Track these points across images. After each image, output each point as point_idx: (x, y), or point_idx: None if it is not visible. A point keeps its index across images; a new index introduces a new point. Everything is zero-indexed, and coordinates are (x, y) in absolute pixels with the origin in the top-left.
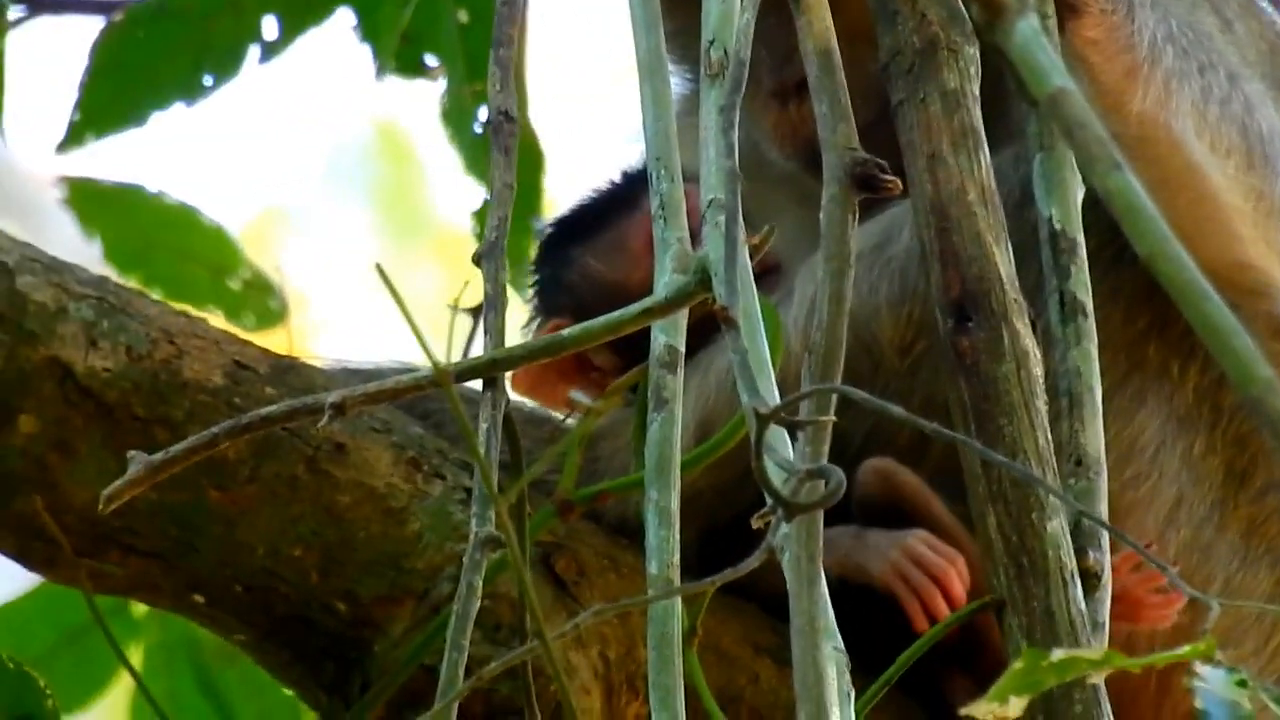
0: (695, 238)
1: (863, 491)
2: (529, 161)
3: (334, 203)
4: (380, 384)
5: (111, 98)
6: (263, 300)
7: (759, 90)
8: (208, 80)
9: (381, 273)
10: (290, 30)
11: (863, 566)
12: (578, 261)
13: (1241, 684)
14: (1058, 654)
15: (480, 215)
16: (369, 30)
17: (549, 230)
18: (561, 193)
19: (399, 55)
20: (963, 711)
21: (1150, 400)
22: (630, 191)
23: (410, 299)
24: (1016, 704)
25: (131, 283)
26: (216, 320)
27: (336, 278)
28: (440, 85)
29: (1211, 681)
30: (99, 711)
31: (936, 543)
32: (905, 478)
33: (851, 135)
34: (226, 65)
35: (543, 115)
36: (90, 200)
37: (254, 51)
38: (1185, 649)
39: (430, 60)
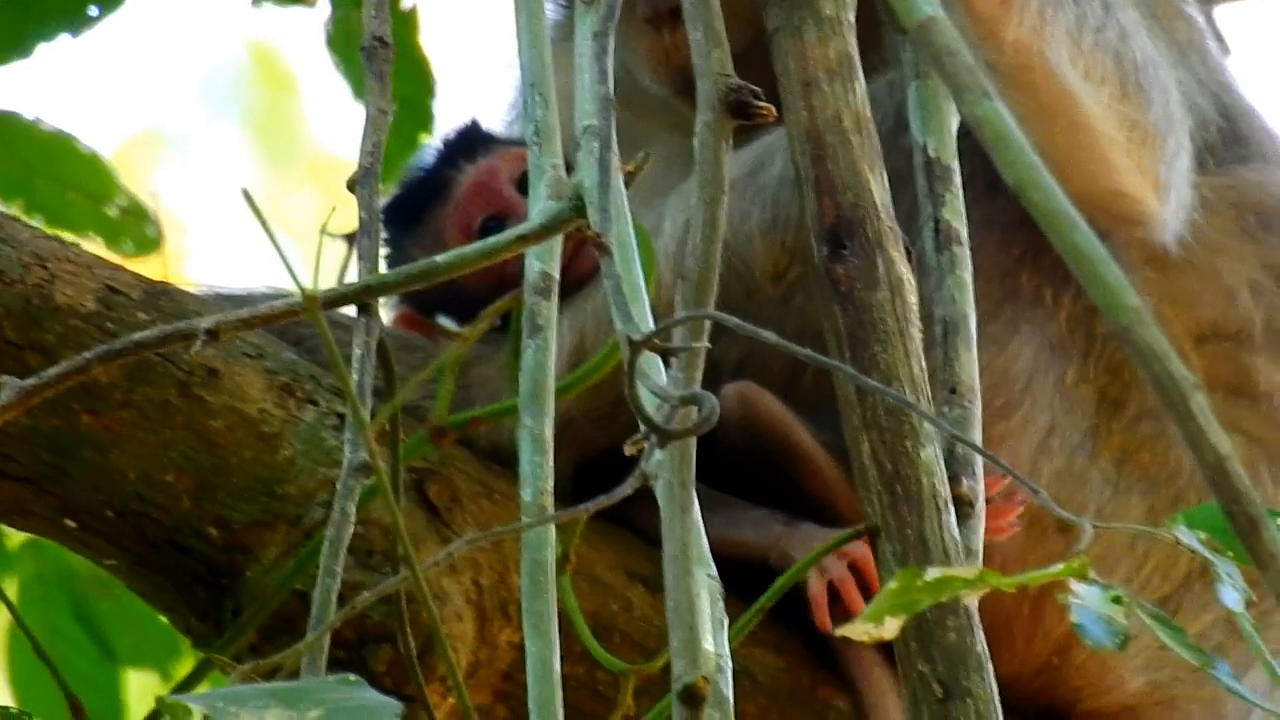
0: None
1: (724, 417)
2: (419, 83)
3: (209, 126)
4: (253, 309)
5: None
6: (140, 227)
7: (633, 16)
8: (93, 10)
9: (249, 198)
10: None
11: (791, 558)
12: (406, 251)
13: (1116, 600)
14: (932, 573)
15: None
16: None
17: (384, 214)
18: (449, 115)
19: None
20: (838, 632)
21: (1024, 328)
22: (441, 176)
23: (286, 224)
24: (892, 624)
25: (14, 210)
26: (95, 247)
27: (212, 202)
28: (319, 11)
29: (1086, 598)
30: None
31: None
32: (767, 404)
33: (726, 62)
34: None
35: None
36: None
37: None
38: (1059, 567)
39: None
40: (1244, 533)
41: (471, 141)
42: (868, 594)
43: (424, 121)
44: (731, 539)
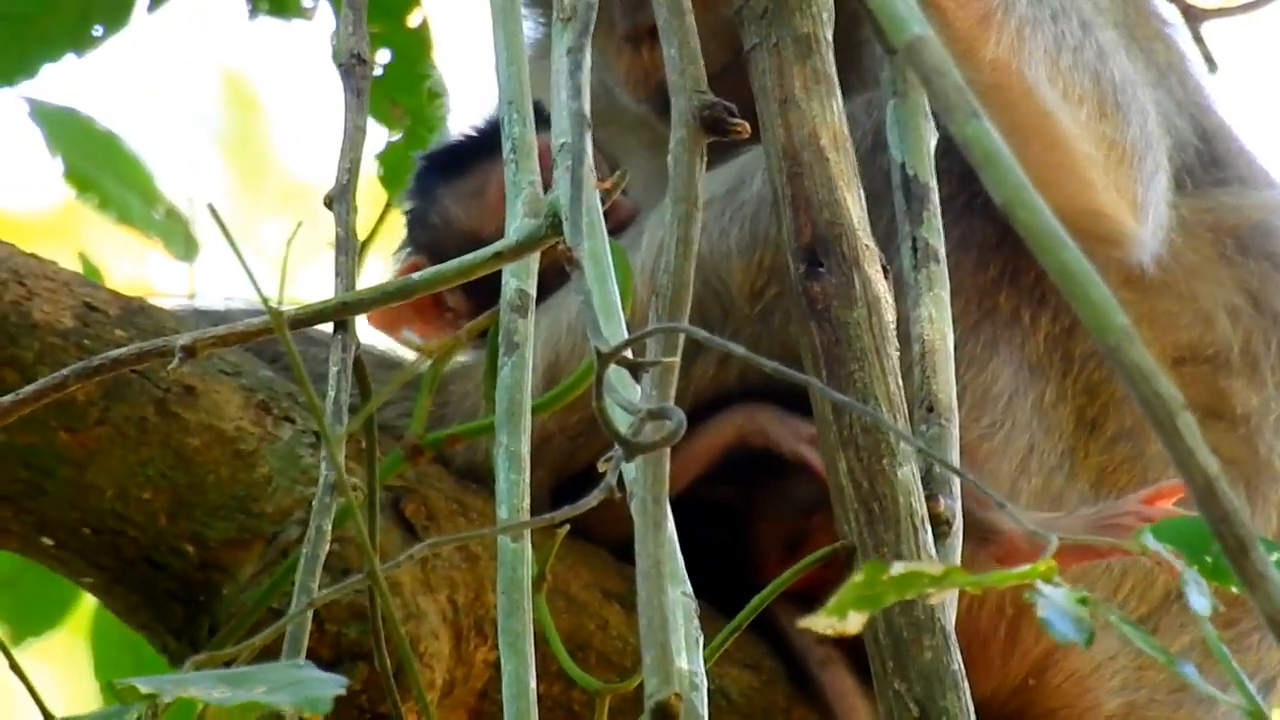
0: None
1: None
2: (430, 99)
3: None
4: (230, 326)
5: (1, 50)
6: (183, 232)
7: (612, 35)
8: (97, 30)
9: (215, 213)
10: None
11: (768, 436)
12: (439, 202)
13: (1083, 601)
14: (898, 567)
15: (384, 156)
16: None
17: (421, 162)
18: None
19: None
20: (800, 624)
21: (1002, 348)
22: (497, 139)
23: (258, 249)
24: (856, 619)
25: (89, 206)
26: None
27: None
28: (294, 37)
29: (1053, 596)
30: (61, 634)
31: None
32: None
33: (700, 78)
34: (115, 14)
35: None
36: (53, 122)
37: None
38: (1027, 568)
39: (306, 1)
40: (1233, 553)
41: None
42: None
43: (433, 134)
44: (702, 448)
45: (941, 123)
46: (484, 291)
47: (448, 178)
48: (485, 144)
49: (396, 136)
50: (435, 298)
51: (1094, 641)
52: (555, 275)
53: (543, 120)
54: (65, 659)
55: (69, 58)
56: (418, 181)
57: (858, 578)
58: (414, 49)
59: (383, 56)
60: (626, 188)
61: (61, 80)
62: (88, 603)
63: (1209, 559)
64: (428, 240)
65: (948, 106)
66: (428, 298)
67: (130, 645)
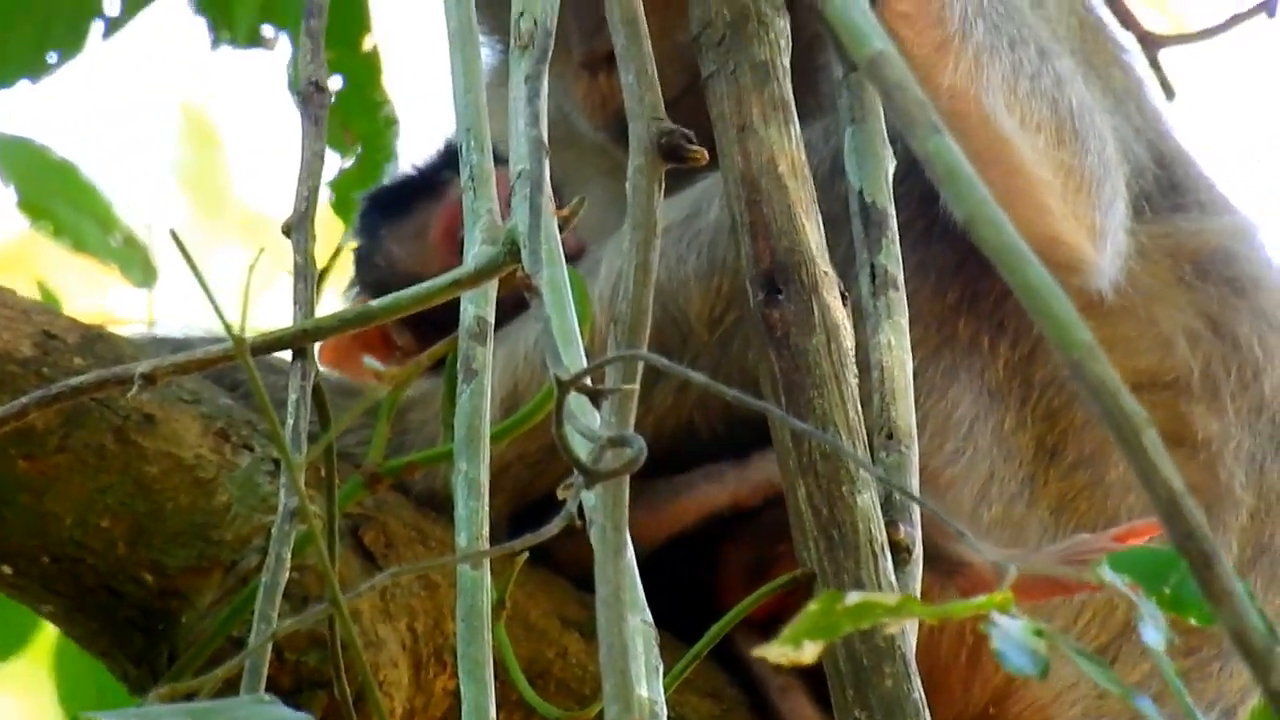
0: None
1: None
2: (381, 122)
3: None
4: (189, 354)
5: None
6: (140, 259)
7: (569, 61)
8: (52, 57)
9: (177, 240)
10: (133, 5)
11: (771, 483)
12: (382, 243)
13: (1038, 634)
14: (853, 597)
15: (337, 183)
16: (205, 1)
17: (364, 202)
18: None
19: (235, 25)
20: (755, 653)
21: (962, 375)
22: (439, 178)
23: (215, 279)
24: (811, 648)
25: (43, 234)
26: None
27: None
28: (273, 56)
29: (1008, 628)
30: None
31: None
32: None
33: (658, 105)
34: (71, 41)
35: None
36: (7, 151)
37: (97, 27)
38: (983, 599)
39: (267, 30)
40: (1198, 568)
41: None
42: None
43: (385, 161)
44: (694, 504)
45: (900, 148)
46: (433, 328)
47: (390, 218)
48: (426, 184)
49: (349, 163)
50: (383, 335)
51: (1049, 673)
52: (513, 306)
53: (498, 159)
54: (26, 688)
55: (23, 85)
56: (362, 221)
57: (813, 607)
58: (366, 75)
59: (335, 83)
60: (579, 219)
61: (20, 109)
62: (50, 631)
63: (1167, 590)
64: (373, 280)
65: (909, 122)
66: (375, 335)
67: (93, 674)
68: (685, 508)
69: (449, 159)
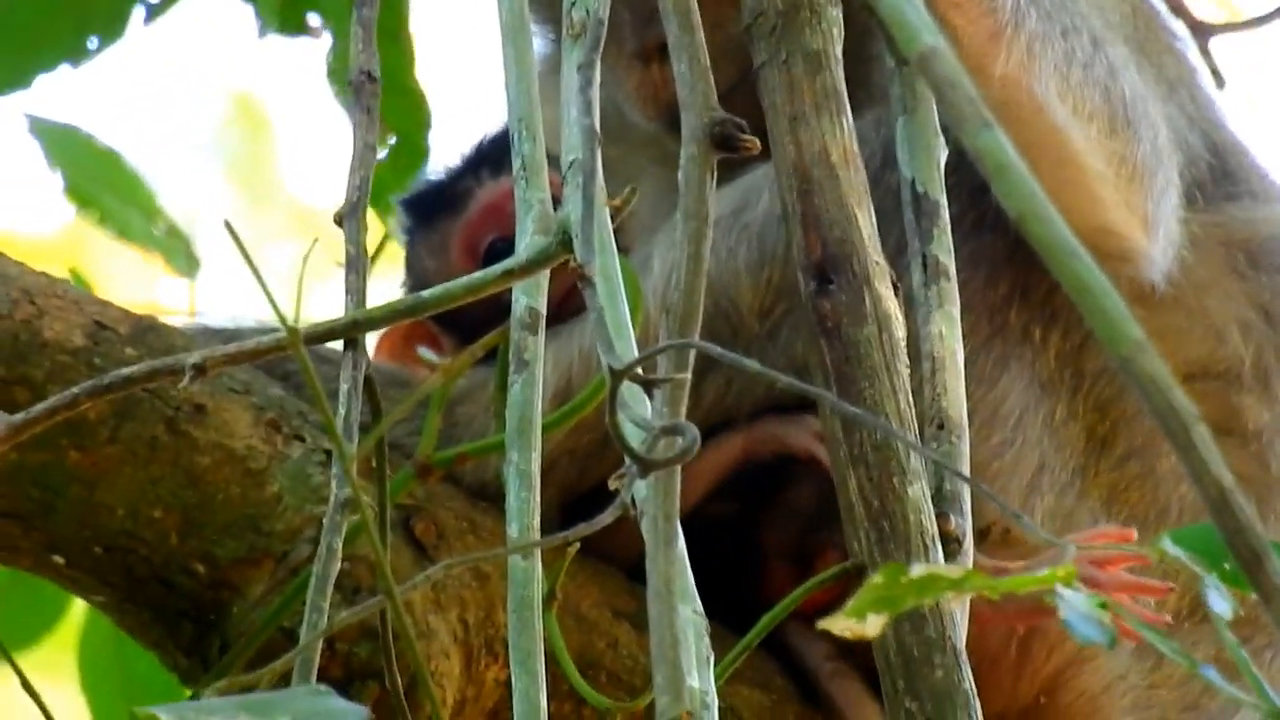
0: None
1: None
2: (413, 116)
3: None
4: (240, 345)
5: None
6: (184, 249)
7: (622, 52)
8: (92, 42)
9: (231, 231)
10: None
11: (778, 439)
12: (414, 246)
13: (1103, 605)
14: (917, 569)
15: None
16: None
17: (399, 206)
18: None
19: (281, 14)
20: (820, 625)
21: (1013, 365)
22: (458, 187)
23: (266, 272)
24: (875, 621)
25: (89, 223)
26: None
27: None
28: (320, 45)
29: (1074, 602)
30: (49, 647)
31: None
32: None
33: (710, 95)
34: (111, 26)
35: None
36: (53, 139)
37: (139, 12)
38: (1047, 572)
39: (313, 19)
40: (1248, 566)
41: (498, 154)
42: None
43: (418, 154)
44: (707, 467)
45: (951, 138)
46: (473, 333)
47: (418, 228)
48: (450, 197)
49: (383, 154)
50: (432, 336)
51: (1115, 645)
52: (557, 305)
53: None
54: (51, 674)
55: (64, 69)
56: (400, 224)
57: (877, 579)
58: (400, 65)
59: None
60: (636, 206)
61: (67, 97)
62: (74, 617)
63: (1228, 566)
64: (413, 284)
65: (960, 117)
66: (426, 333)
67: (119, 661)
68: (700, 470)
69: (474, 162)
